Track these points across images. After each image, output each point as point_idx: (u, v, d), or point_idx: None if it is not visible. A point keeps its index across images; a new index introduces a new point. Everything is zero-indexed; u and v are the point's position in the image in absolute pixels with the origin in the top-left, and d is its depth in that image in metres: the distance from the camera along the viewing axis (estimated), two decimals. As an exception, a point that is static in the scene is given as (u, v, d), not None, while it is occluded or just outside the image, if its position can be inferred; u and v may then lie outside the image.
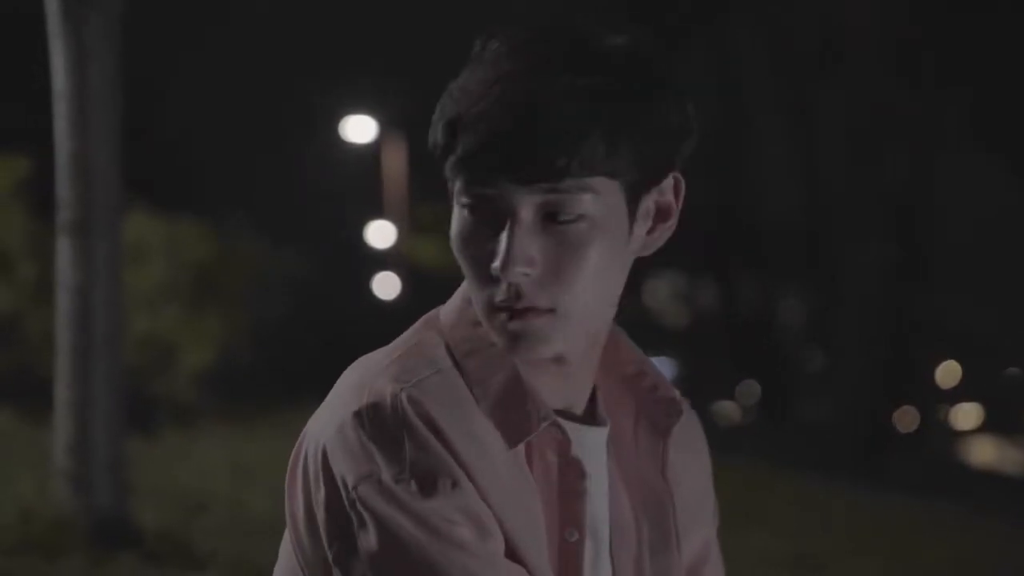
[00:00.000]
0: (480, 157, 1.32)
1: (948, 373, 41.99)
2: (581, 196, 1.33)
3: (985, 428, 39.18)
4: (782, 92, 22.74)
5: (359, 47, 26.55)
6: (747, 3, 23.15)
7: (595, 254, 1.34)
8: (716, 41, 23.70)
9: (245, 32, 24.03)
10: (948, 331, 28.86)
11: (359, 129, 25.95)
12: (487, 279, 1.35)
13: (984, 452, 30.16)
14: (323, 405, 1.40)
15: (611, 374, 1.48)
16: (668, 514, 1.49)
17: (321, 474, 1.34)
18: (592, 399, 1.46)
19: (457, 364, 1.38)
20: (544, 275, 1.34)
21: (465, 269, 1.38)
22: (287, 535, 1.42)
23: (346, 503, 1.32)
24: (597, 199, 1.33)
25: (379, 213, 26.48)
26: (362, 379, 1.37)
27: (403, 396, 1.33)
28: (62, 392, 6.07)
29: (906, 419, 23.52)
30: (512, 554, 1.34)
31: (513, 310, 1.34)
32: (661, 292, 32.15)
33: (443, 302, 1.46)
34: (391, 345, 1.42)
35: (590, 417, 1.45)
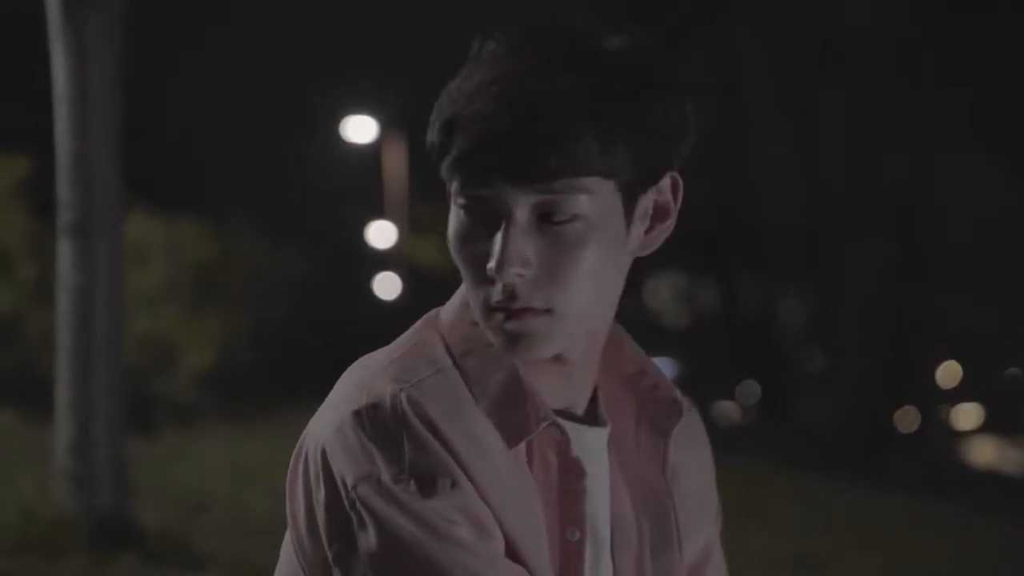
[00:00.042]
0: (475, 157, 1.32)
1: (949, 373, 41.99)
2: (576, 196, 1.33)
3: (986, 428, 39.18)
4: (782, 92, 22.75)
5: (360, 47, 26.56)
6: (747, 3, 23.16)
7: (591, 254, 1.34)
8: (716, 41, 23.70)
9: (245, 32, 24.04)
10: (948, 331, 28.86)
11: (360, 129, 25.96)
12: (483, 280, 1.35)
13: (984, 452, 30.17)
14: (324, 405, 1.40)
15: (612, 374, 1.48)
16: (669, 514, 1.49)
17: (321, 474, 1.34)
18: (594, 399, 1.46)
19: (457, 364, 1.38)
20: (540, 276, 1.34)
21: (462, 269, 1.38)
22: (288, 535, 1.43)
23: (346, 503, 1.32)
24: (592, 199, 1.33)
25: (380, 213, 26.48)
26: (362, 379, 1.37)
27: (402, 396, 1.33)
28: (63, 392, 6.07)
29: (907, 419, 23.52)
30: (512, 553, 1.34)
31: (509, 311, 1.35)
32: (661, 292, 32.18)
33: (444, 302, 1.46)
34: (391, 345, 1.43)
35: (591, 417, 1.45)
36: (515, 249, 1.32)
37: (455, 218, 1.37)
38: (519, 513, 1.36)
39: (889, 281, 19.25)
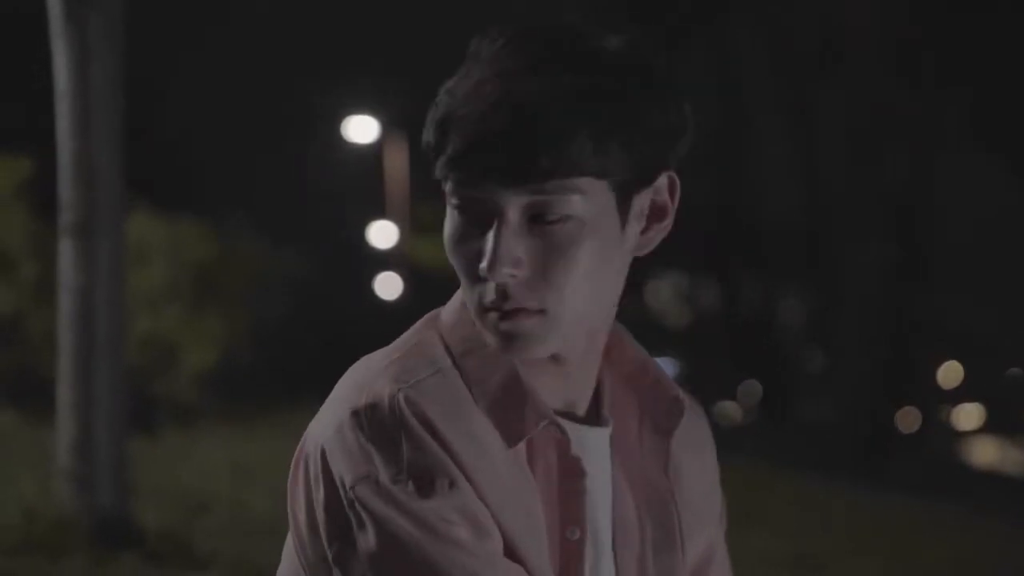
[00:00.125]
0: (467, 158, 1.32)
1: (950, 373, 42.00)
2: (568, 197, 1.32)
3: (986, 428, 39.17)
4: (782, 92, 22.75)
5: (361, 47, 26.56)
6: (747, 3, 23.16)
7: (584, 255, 1.34)
8: (716, 41, 23.71)
9: (246, 32, 24.04)
10: (948, 331, 28.87)
11: (361, 129, 25.95)
12: (477, 280, 1.35)
13: (985, 452, 30.17)
14: (324, 406, 1.40)
15: (615, 373, 1.48)
16: (672, 514, 1.48)
17: (320, 474, 1.35)
18: (596, 399, 1.46)
19: (457, 364, 1.38)
20: (532, 276, 1.33)
21: (457, 269, 1.38)
22: (290, 536, 1.43)
23: (344, 503, 1.32)
24: (585, 199, 1.33)
25: (381, 213, 26.48)
26: (361, 380, 1.37)
27: (400, 397, 1.33)
28: (64, 392, 6.08)
29: (908, 419, 23.52)
30: (511, 553, 1.34)
31: (502, 311, 1.35)
32: (663, 292, 32.19)
33: (445, 302, 1.46)
34: (391, 345, 1.43)
35: (593, 417, 1.45)
36: (506, 249, 1.32)
37: (449, 218, 1.37)
38: (518, 513, 1.36)
39: (889, 281, 19.27)
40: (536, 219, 1.33)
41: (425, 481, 1.31)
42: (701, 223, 22.78)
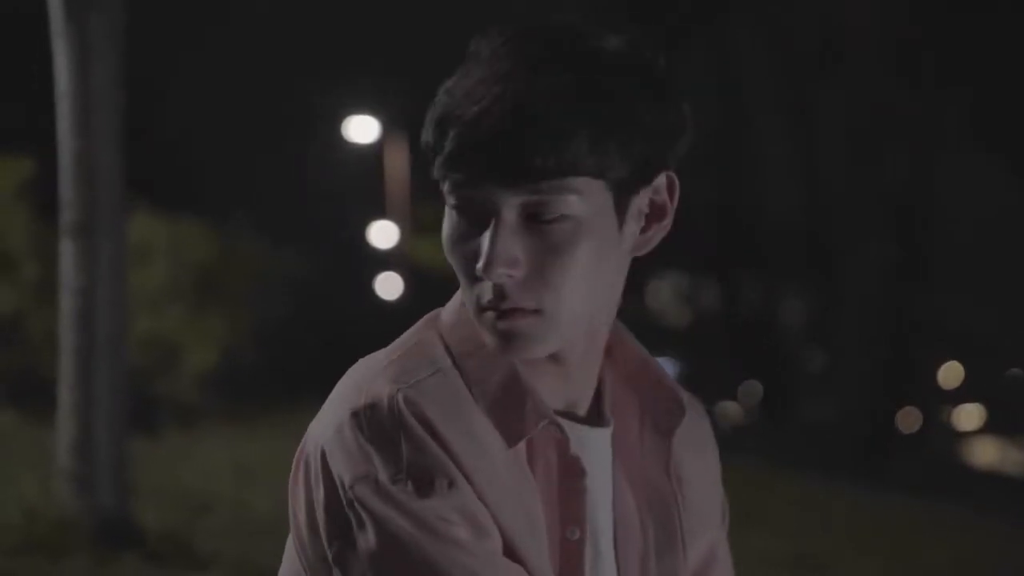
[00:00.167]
0: (464, 158, 1.32)
1: (951, 374, 41.97)
2: (565, 196, 1.32)
3: (987, 429, 39.16)
4: (782, 92, 22.74)
5: (361, 47, 26.55)
6: (747, 3, 23.15)
7: (581, 254, 1.34)
8: (716, 41, 23.69)
9: (246, 32, 24.03)
10: (949, 331, 28.85)
11: (361, 129, 25.94)
12: (475, 279, 1.35)
13: (986, 453, 30.17)
14: (324, 406, 1.40)
15: (616, 373, 1.48)
16: (673, 515, 1.49)
17: (320, 474, 1.35)
18: (598, 399, 1.46)
19: (456, 364, 1.38)
20: (528, 276, 1.33)
21: (455, 269, 1.38)
22: (291, 537, 1.43)
23: (344, 503, 1.33)
24: (582, 199, 1.33)
25: (381, 213, 26.47)
26: (361, 380, 1.37)
27: (400, 397, 1.34)
28: (65, 393, 6.08)
29: (908, 420, 23.52)
30: (511, 553, 1.34)
31: (499, 310, 1.35)
32: (663, 292, 32.18)
33: (445, 302, 1.46)
34: (391, 345, 1.43)
35: (594, 417, 1.45)
36: (503, 249, 1.32)
37: (448, 218, 1.38)
38: (518, 512, 1.36)
39: (889, 281, 19.26)
40: (533, 219, 1.33)
41: (425, 481, 1.31)
42: (701, 223, 22.79)
